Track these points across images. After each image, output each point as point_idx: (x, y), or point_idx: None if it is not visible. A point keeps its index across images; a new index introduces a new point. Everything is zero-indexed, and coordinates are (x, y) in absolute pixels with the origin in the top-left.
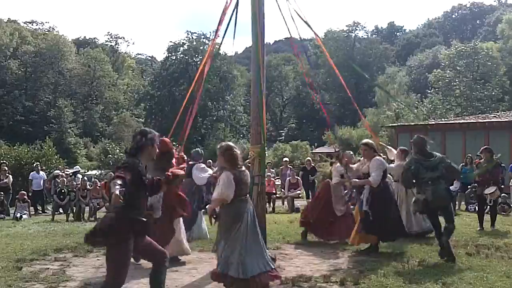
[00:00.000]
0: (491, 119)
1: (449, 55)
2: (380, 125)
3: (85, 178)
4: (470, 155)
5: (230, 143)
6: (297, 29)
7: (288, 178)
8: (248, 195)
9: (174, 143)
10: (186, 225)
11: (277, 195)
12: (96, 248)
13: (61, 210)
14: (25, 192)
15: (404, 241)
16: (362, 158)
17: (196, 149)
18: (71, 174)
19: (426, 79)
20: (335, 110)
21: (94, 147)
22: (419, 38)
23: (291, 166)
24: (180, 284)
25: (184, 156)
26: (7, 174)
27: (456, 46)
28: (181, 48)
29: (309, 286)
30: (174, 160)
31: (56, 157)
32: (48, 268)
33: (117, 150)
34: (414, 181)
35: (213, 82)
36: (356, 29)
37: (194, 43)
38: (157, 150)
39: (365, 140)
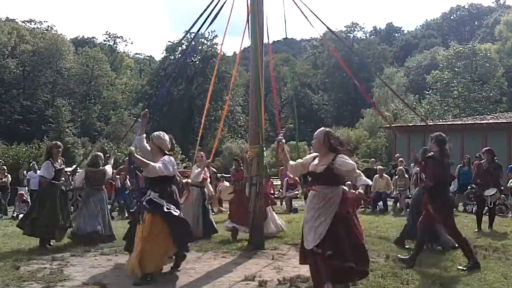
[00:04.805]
0: (489, 120)
1: (447, 56)
2: (378, 126)
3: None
4: (468, 156)
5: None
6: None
7: (286, 179)
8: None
9: None
10: None
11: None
12: (94, 248)
13: None
14: (23, 193)
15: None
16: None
17: None
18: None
19: (424, 80)
20: (333, 111)
21: (92, 146)
22: (417, 39)
23: None
24: (178, 284)
25: None
26: (5, 174)
27: (454, 47)
28: (179, 48)
29: (307, 287)
30: None
31: None
32: (46, 268)
33: (115, 150)
34: None
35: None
36: (355, 30)
37: (193, 43)
38: None
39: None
